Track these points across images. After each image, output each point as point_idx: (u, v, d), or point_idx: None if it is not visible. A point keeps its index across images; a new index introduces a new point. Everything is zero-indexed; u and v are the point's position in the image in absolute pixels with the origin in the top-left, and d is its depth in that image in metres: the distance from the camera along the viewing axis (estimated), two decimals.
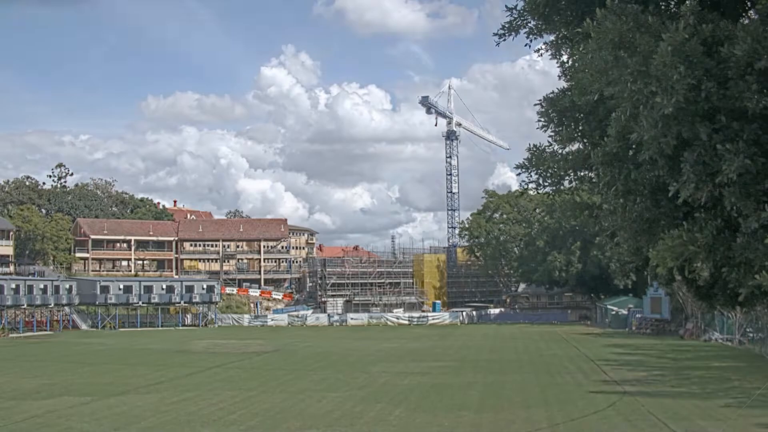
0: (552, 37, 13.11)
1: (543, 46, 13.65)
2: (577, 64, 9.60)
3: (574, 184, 13.29)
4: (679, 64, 5.72)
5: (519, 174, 12.93)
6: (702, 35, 5.84)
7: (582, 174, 10.85)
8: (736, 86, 6.07)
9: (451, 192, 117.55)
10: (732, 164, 6.06)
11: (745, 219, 6.64)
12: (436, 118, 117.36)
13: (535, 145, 12.58)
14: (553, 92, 13.12)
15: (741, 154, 6.16)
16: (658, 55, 5.90)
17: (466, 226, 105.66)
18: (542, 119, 10.19)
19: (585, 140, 9.80)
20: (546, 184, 13.33)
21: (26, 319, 76.54)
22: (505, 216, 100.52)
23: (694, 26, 5.94)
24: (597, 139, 8.97)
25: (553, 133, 10.26)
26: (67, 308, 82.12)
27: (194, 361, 44.65)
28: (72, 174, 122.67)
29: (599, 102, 8.12)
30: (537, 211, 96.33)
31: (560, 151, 11.83)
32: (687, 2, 6.27)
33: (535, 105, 10.55)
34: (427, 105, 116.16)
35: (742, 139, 6.27)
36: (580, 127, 9.53)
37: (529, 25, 12.44)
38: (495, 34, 13.22)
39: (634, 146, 7.33)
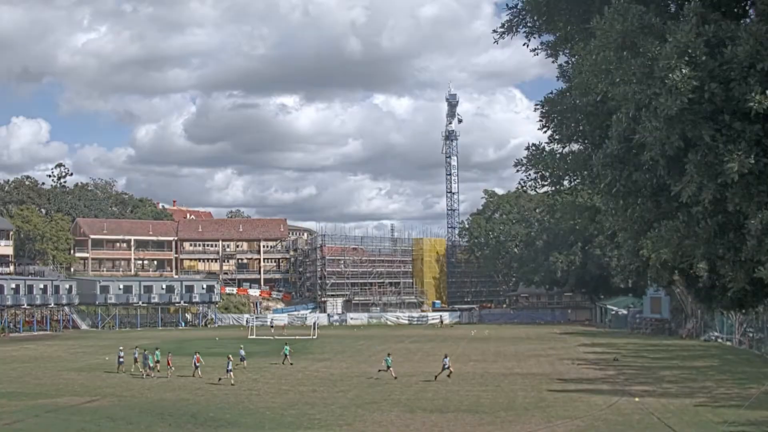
0: (550, 37, 13.11)
1: (540, 46, 13.61)
2: (576, 64, 9.58)
3: (573, 184, 13.26)
4: (684, 66, 5.71)
5: (518, 171, 13.01)
6: (705, 35, 5.81)
7: (584, 173, 10.84)
8: (739, 87, 6.04)
9: (450, 192, 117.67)
10: (734, 165, 6.05)
11: (746, 220, 6.63)
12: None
13: (534, 144, 12.60)
14: (552, 92, 13.11)
15: (742, 155, 6.14)
16: (662, 57, 5.88)
17: (466, 226, 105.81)
18: (542, 120, 10.18)
19: (585, 141, 9.78)
20: (545, 183, 13.32)
21: (26, 319, 76.57)
22: (505, 216, 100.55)
23: (697, 26, 5.91)
24: (598, 140, 8.97)
25: (552, 133, 10.24)
26: (66, 308, 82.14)
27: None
28: (72, 174, 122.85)
29: (601, 102, 8.12)
30: (537, 210, 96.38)
31: (559, 151, 11.82)
32: (690, 3, 6.27)
33: (536, 106, 10.53)
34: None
35: (744, 139, 6.25)
36: (581, 128, 9.53)
37: (528, 24, 12.41)
38: (494, 32, 13.21)
39: (635, 148, 7.31)
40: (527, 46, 13.17)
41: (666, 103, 5.91)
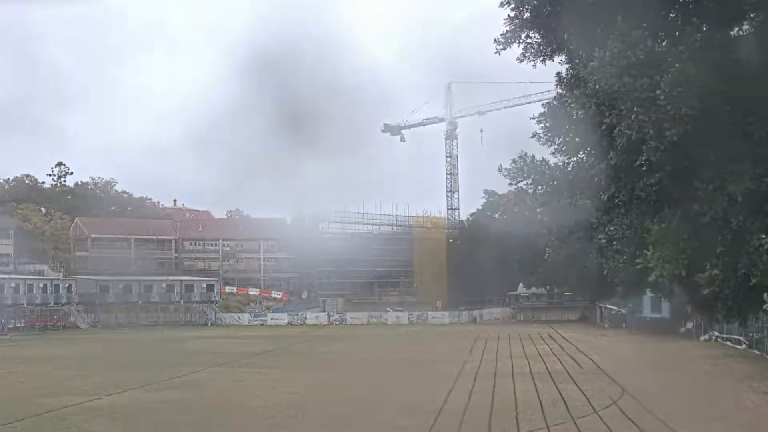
0: (543, 46, 13.12)
1: (524, 51, 13.53)
2: (578, 78, 9.60)
3: (575, 196, 13.20)
4: (692, 97, 5.75)
5: (510, 184, 13.01)
6: (711, 63, 5.84)
7: (585, 186, 10.84)
8: (744, 109, 6.08)
9: (451, 191, 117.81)
10: (739, 185, 6.09)
11: (751, 236, 6.68)
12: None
13: (526, 153, 12.62)
14: (551, 103, 13.07)
15: (746, 175, 6.18)
16: (667, 84, 5.91)
17: (467, 225, 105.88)
18: (546, 135, 10.18)
19: (589, 152, 9.80)
20: (540, 190, 13.29)
21: (26, 318, 76.63)
22: (505, 216, 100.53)
23: (700, 50, 5.95)
24: (604, 150, 8.99)
25: (556, 146, 10.29)
26: (66, 307, 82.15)
27: (194, 359, 44.62)
28: (72, 173, 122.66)
29: (604, 116, 8.16)
30: (537, 210, 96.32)
31: (549, 161, 11.81)
32: (686, 30, 6.30)
33: (539, 121, 10.52)
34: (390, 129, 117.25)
35: (749, 159, 6.29)
36: (586, 138, 9.55)
37: (527, 36, 12.40)
38: (496, 41, 13.22)
39: (643, 162, 7.34)
40: (524, 56, 13.12)
41: (670, 130, 5.95)
